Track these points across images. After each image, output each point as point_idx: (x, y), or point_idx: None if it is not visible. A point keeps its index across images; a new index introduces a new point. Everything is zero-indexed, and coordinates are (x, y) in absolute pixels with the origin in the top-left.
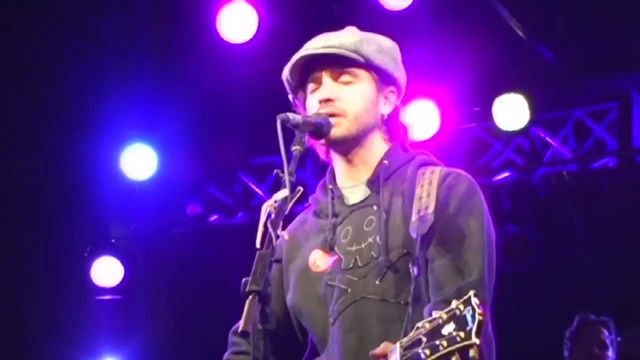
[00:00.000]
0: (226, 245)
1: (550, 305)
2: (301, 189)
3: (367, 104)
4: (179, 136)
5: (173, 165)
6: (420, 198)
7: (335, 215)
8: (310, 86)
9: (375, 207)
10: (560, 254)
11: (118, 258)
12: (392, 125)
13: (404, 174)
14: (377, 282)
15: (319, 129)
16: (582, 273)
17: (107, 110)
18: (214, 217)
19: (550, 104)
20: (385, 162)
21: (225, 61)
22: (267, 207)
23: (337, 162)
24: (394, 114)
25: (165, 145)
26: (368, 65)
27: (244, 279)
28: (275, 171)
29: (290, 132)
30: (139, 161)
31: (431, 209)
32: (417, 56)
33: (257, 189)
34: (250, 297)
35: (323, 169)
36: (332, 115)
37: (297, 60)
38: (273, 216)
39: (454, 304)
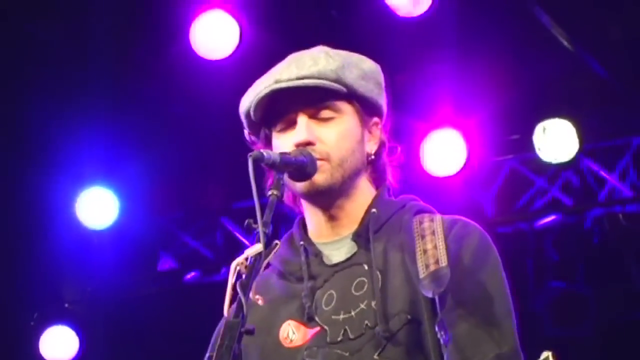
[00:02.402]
0: (206, 308)
1: None
2: (278, 243)
3: (353, 143)
4: (145, 175)
5: (139, 211)
6: (425, 251)
7: (312, 277)
8: (280, 125)
9: (365, 266)
10: (618, 315)
11: (72, 327)
12: (378, 166)
13: (397, 225)
14: (375, 357)
15: (301, 169)
16: None
17: (58, 146)
18: (191, 274)
19: (604, 130)
20: (374, 211)
21: (201, 82)
22: (236, 266)
23: (313, 214)
24: (381, 151)
25: (129, 187)
26: (350, 96)
27: (207, 355)
28: (246, 221)
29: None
30: (97, 207)
31: (444, 262)
32: (438, 74)
33: (243, 239)
34: None
35: None
36: None
37: (265, 95)
38: (244, 277)
39: None
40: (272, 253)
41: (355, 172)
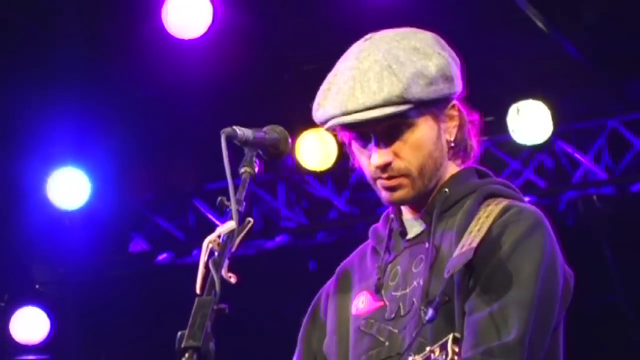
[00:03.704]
0: (178, 290)
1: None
2: (251, 220)
3: (430, 146)
4: (116, 156)
5: (110, 192)
6: (471, 232)
7: (389, 251)
8: (354, 135)
9: (426, 244)
10: (591, 298)
11: (43, 308)
12: (461, 146)
13: (464, 206)
14: (413, 335)
15: (274, 147)
16: (618, 321)
17: (29, 126)
18: (162, 256)
19: (578, 112)
20: (446, 190)
21: (173, 62)
22: (208, 244)
23: None
24: (462, 132)
25: (100, 168)
26: (420, 105)
27: (179, 333)
28: (219, 199)
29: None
30: (69, 187)
31: (474, 244)
32: None
33: (216, 221)
34: (186, 354)
35: (299, 195)
36: (391, 178)
37: (333, 126)
38: (216, 254)
39: (429, 348)
40: (245, 230)
41: (436, 169)
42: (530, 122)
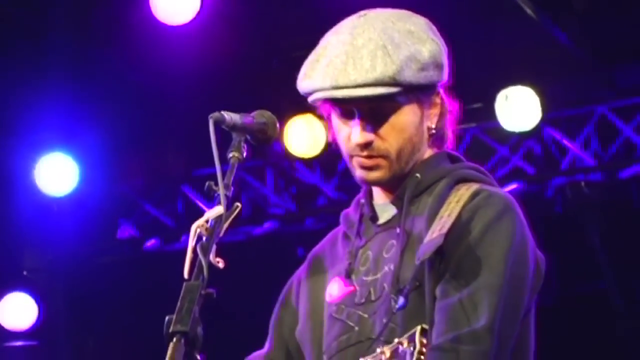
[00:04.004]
0: (166, 276)
1: (568, 348)
2: (239, 205)
3: (411, 131)
4: (105, 142)
5: (99, 178)
6: (441, 218)
7: (359, 237)
8: (338, 110)
9: (397, 230)
10: (579, 286)
11: (31, 294)
12: (440, 135)
13: (436, 191)
14: (384, 320)
15: (262, 132)
16: (606, 309)
17: (17, 112)
18: (151, 242)
19: (567, 98)
20: (417, 175)
21: (161, 48)
22: (196, 228)
23: None
24: (443, 120)
25: (89, 154)
26: (409, 89)
27: (167, 317)
28: (207, 183)
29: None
30: (57, 173)
31: (444, 230)
32: None
33: (204, 207)
34: (174, 339)
35: (287, 182)
36: (370, 157)
37: (322, 98)
38: (204, 239)
39: (397, 339)
40: (233, 215)
41: (414, 154)
42: (518, 108)
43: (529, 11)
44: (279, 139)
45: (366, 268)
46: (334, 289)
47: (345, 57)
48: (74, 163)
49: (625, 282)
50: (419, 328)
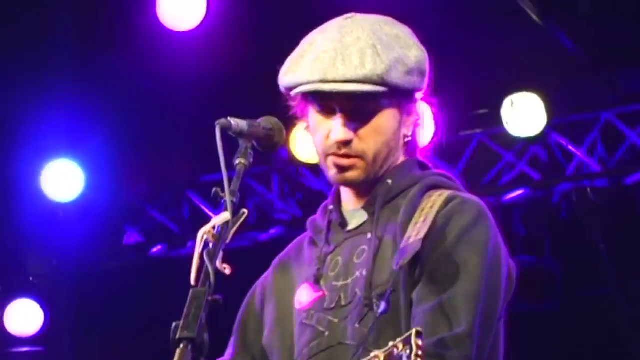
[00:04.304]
0: (172, 282)
1: (573, 353)
2: (246, 211)
3: (390, 135)
4: (111, 148)
5: (105, 184)
6: (416, 223)
7: (328, 242)
8: (318, 106)
9: (369, 235)
10: (585, 291)
11: (37, 300)
12: (414, 144)
13: (408, 197)
14: (356, 325)
15: (269, 138)
16: (612, 314)
17: (22, 118)
18: (157, 248)
19: (572, 104)
20: (389, 181)
21: (167, 54)
22: (203, 235)
23: (343, 187)
24: (417, 129)
25: (94, 160)
26: (393, 92)
27: (174, 323)
28: (214, 190)
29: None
30: (63, 179)
31: (421, 235)
32: None
33: (210, 213)
34: (181, 345)
35: (293, 188)
36: (346, 156)
37: (308, 91)
38: (211, 246)
39: (392, 343)
40: (239, 222)
41: (389, 159)
42: (524, 114)
43: (534, 16)
44: (284, 145)
45: (336, 273)
46: (303, 296)
47: (334, 53)
48: (79, 169)
49: (630, 288)
50: (414, 331)
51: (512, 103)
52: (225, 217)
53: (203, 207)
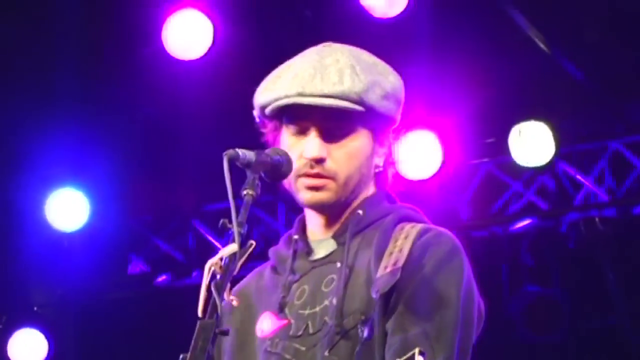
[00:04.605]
0: (177, 312)
1: None
2: (253, 243)
3: (362, 160)
4: (116, 177)
5: (109, 213)
6: (391, 253)
7: (293, 271)
8: (292, 127)
9: (338, 264)
10: (593, 322)
11: (42, 330)
12: (384, 176)
13: (379, 228)
14: (325, 354)
15: (277, 168)
16: (621, 345)
17: (27, 146)
18: (162, 277)
19: (580, 133)
20: (360, 212)
21: (173, 83)
22: (210, 266)
23: (311, 215)
24: (388, 162)
25: (99, 189)
26: (369, 115)
27: (181, 356)
28: (221, 221)
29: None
30: (67, 208)
31: (399, 265)
32: (413, 75)
33: (215, 242)
34: None
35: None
36: (318, 176)
37: (286, 104)
38: (218, 277)
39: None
40: (247, 253)
41: (359, 186)
42: (532, 143)
43: (541, 45)
44: None
45: (302, 302)
46: (265, 324)
47: (313, 71)
48: (84, 198)
49: (639, 317)
50: (416, 350)
51: (520, 132)
52: (233, 249)
53: (208, 237)
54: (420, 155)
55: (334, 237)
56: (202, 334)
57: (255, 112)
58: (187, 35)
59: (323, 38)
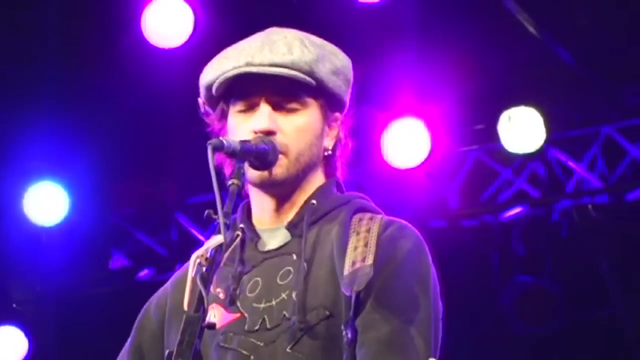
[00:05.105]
0: None
1: None
2: (239, 234)
3: (312, 137)
4: (95, 170)
5: (89, 207)
6: (356, 248)
7: (242, 262)
8: (240, 105)
9: (294, 256)
10: (587, 311)
11: (21, 328)
12: (332, 161)
13: (335, 219)
14: (288, 350)
15: (263, 157)
16: (616, 335)
17: (5, 139)
18: (144, 272)
19: (571, 119)
20: (314, 202)
21: (153, 72)
22: (196, 258)
23: (259, 201)
24: (337, 147)
25: (79, 182)
26: (319, 90)
27: (167, 351)
28: (206, 212)
29: None
30: (46, 202)
31: (370, 261)
32: (400, 62)
33: (199, 235)
34: None
35: None
36: None
37: (233, 76)
38: (204, 270)
39: None
40: (233, 244)
41: (310, 166)
42: (522, 129)
43: (531, 29)
44: None
45: (256, 295)
46: (214, 316)
47: (261, 44)
48: (63, 192)
49: (634, 306)
50: None
51: (509, 118)
52: (219, 240)
53: (191, 230)
54: (407, 143)
55: (288, 227)
56: (188, 329)
57: (200, 100)
58: (167, 23)
59: (308, 24)
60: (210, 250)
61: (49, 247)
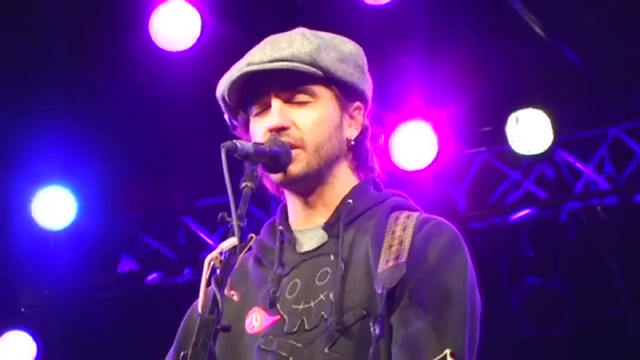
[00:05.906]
0: (169, 311)
1: None
2: (253, 236)
3: (330, 128)
4: (104, 174)
5: (98, 211)
6: (391, 246)
7: (281, 264)
8: (255, 108)
9: (332, 257)
10: (597, 313)
11: (29, 332)
12: (360, 152)
13: (372, 218)
14: (326, 350)
15: (276, 160)
16: (625, 336)
17: (14, 144)
18: (152, 276)
19: (579, 120)
20: (350, 201)
21: (161, 76)
22: (210, 261)
23: (291, 201)
24: (363, 137)
25: (87, 186)
26: (328, 79)
27: (182, 353)
28: (220, 214)
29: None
30: (55, 207)
31: (403, 259)
32: (407, 64)
33: (207, 239)
34: None
35: None
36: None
37: (237, 78)
38: (218, 272)
39: None
40: (247, 247)
41: (332, 158)
42: (529, 131)
43: (538, 31)
44: None
45: (295, 296)
46: (256, 320)
47: (264, 44)
48: (71, 196)
49: None
50: (448, 351)
51: (517, 120)
52: (233, 242)
53: (199, 233)
54: (415, 145)
55: (325, 228)
56: (203, 330)
57: (226, 115)
58: (175, 27)
59: (315, 27)
60: (224, 252)
61: (58, 251)
